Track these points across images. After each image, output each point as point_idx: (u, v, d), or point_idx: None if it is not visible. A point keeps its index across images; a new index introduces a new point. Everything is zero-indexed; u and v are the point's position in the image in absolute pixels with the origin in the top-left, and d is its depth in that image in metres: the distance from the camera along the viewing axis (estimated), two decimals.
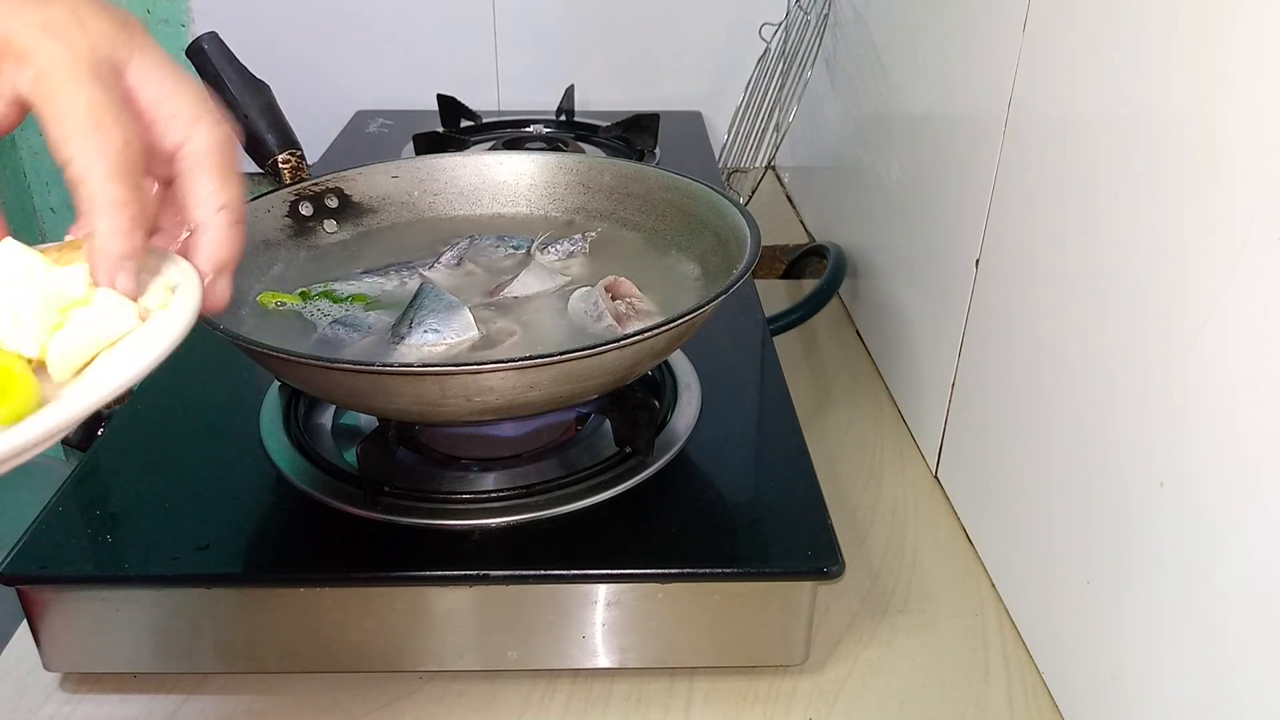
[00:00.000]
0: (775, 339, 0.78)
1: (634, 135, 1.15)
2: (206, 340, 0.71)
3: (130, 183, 0.36)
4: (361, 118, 1.30)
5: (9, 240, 0.36)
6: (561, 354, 0.48)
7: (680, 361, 0.69)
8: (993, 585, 0.62)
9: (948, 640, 0.58)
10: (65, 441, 0.64)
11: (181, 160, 0.39)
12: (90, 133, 0.35)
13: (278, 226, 0.68)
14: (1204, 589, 0.41)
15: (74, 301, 0.35)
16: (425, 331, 0.57)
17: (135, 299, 0.36)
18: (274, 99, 0.69)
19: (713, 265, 0.64)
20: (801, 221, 1.20)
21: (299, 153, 0.69)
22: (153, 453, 0.61)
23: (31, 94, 0.36)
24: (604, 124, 1.19)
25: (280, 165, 0.69)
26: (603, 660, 0.55)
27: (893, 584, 0.62)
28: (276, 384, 0.65)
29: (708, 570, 0.52)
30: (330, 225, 0.71)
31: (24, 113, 0.37)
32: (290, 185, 0.69)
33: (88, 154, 0.35)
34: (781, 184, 1.31)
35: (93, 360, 0.35)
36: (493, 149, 1.10)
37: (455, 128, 1.21)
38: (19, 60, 0.36)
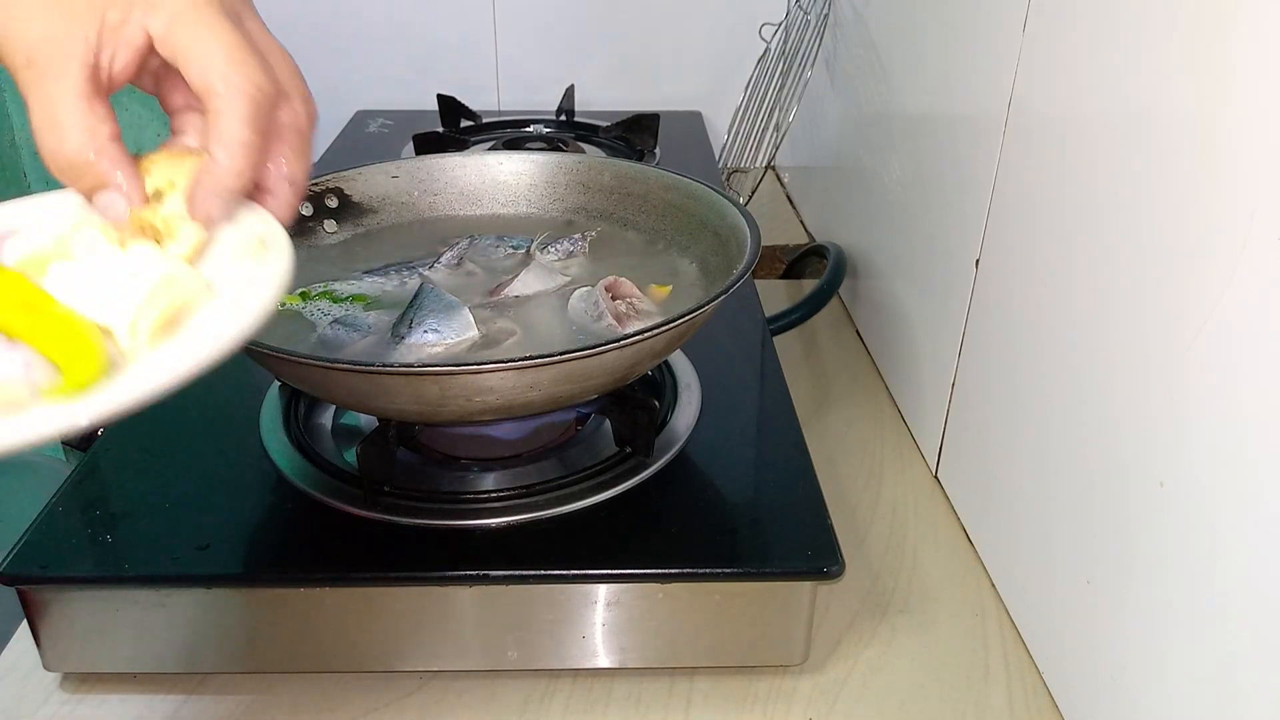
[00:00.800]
0: (775, 339, 0.78)
1: (634, 135, 1.15)
2: None
3: (258, 128, 0.38)
4: (361, 118, 1.30)
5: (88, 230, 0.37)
6: (561, 354, 0.48)
7: (680, 361, 0.69)
8: (993, 585, 0.62)
9: (948, 640, 0.58)
10: (64, 441, 0.64)
11: (277, 120, 0.41)
12: (233, 72, 0.37)
13: None
14: (1204, 589, 0.41)
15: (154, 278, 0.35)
16: (425, 331, 0.57)
17: (207, 232, 0.37)
18: None
19: (713, 265, 0.64)
20: (801, 221, 1.20)
21: None
22: (153, 453, 0.61)
23: (167, 35, 0.37)
24: (604, 124, 1.19)
25: None
26: (603, 660, 0.55)
27: (893, 584, 0.62)
28: (276, 384, 0.65)
29: (708, 570, 0.52)
30: (330, 225, 0.71)
31: (143, 61, 0.38)
32: None
33: (229, 93, 0.37)
34: (781, 184, 1.31)
35: (167, 327, 0.34)
36: (493, 149, 1.10)
37: (455, 128, 1.21)
38: (150, 6, 0.37)
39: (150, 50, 0.38)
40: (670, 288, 0.64)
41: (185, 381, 0.31)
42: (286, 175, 0.40)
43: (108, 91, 0.38)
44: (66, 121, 0.36)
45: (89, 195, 0.37)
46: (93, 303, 0.34)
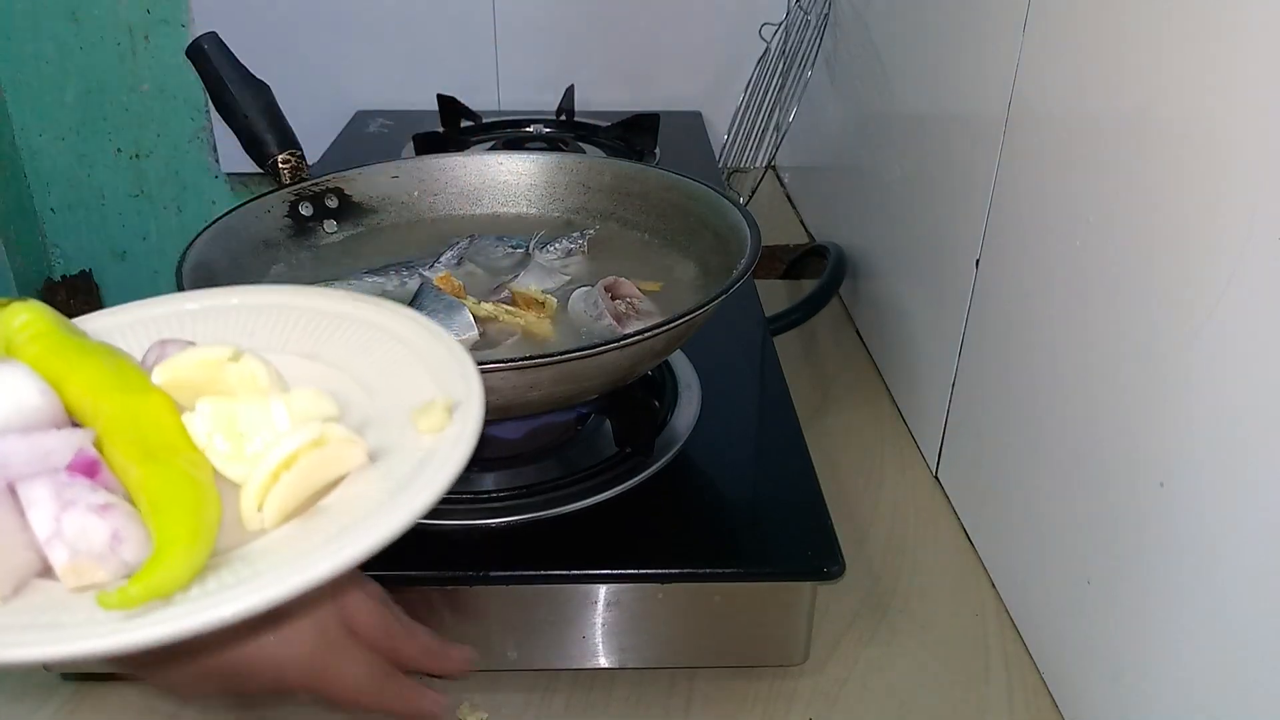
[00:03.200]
0: (775, 339, 0.78)
1: (634, 135, 1.15)
2: None
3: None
4: (361, 118, 1.30)
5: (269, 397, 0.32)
6: (561, 354, 0.48)
7: (680, 361, 0.69)
8: (993, 585, 0.62)
9: (948, 640, 0.58)
10: None
11: None
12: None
13: (278, 226, 0.68)
14: (1204, 589, 0.41)
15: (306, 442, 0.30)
16: None
17: None
18: (274, 99, 0.69)
19: (713, 265, 0.64)
20: (801, 221, 1.20)
21: (299, 153, 0.69)
22: None
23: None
24: (604, 124, 1.19)
25: (280, 165, 0.68)
26: (603, 660, 0.54)
27: (893, 584, 0.62)
28: None
29: (708, 570, 0.52)
30: (330, 225, 0.71)
31: None
32: (290, 185, 0.69)
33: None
34: (781, 184, 1.31)
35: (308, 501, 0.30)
36: (493, 149, 1.10)
37: (455, 128, 1.21)
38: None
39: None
40: (660, 285, 0.63)
41: (273, 606, 0.26)
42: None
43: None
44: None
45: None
46: (230, 451, 0.30)
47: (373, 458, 0.31)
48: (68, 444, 0.28)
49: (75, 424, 0.30)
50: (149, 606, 0.25)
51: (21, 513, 0.26)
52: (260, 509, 0.29)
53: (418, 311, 0.35)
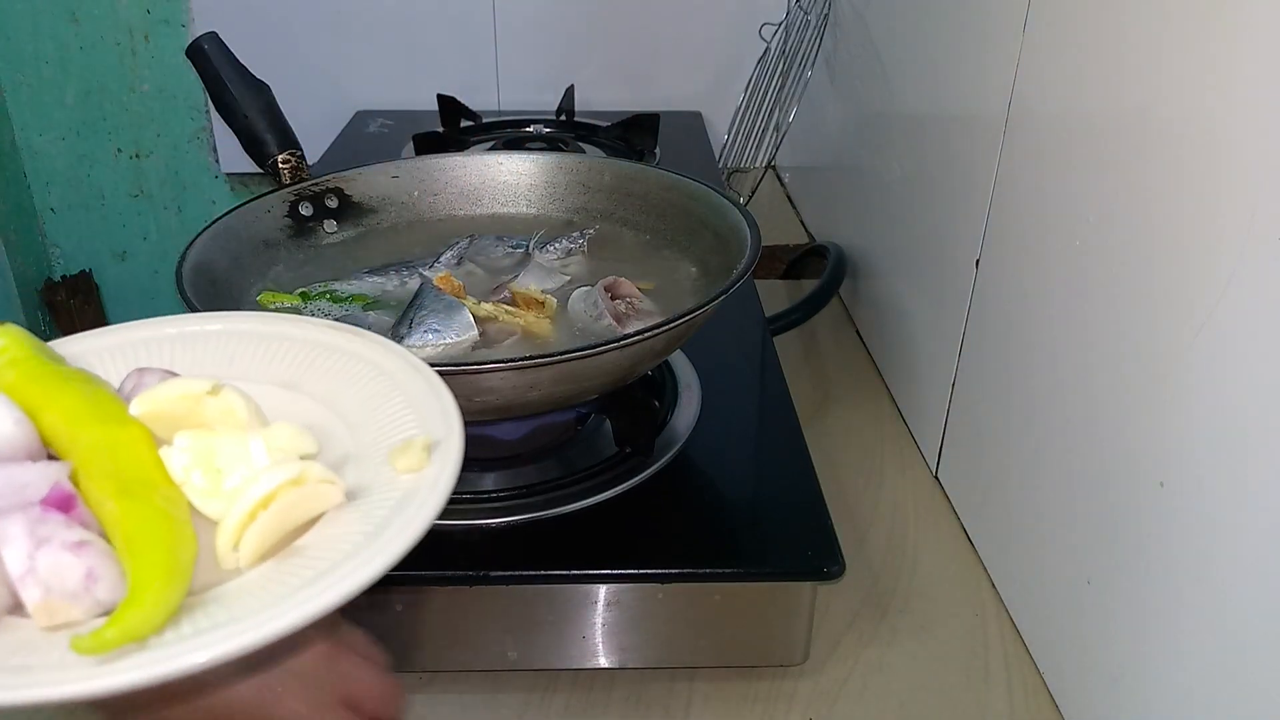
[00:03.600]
0: (775, 339, 0.78)
1: (634, 135, 1.15)
2: None
3: None
4: (361, 118, 1.30)
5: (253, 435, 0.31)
6: (561, 354, 0.48)
7: (680, 361, 0.69)
8: (993, 585, 0.62)
9: (948, 640, 0.58)
10: None
11: None
12: None
13: (278, 226, 0.68)
14: (1204, 589, 0.41)
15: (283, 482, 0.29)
16: (425, 331, 0.57)
17: None
18: (274, 99, 0.69)
19: (713, 265, 0.64)
20: (801, 221, 1.20)
21: (299, 153, 0.69)
22: None
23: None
24: (604, 124, 1.19)
25: (280, 165, 0.68)
26: (603, 660, 0.54)
27: (893, 584, 0.62)
28: None
29: (708, 570, 0.52)
30: (330, 225, 0.71)
31: None
32: (290, 185, 0.69)
33: None
34: (781, 184, 1.31)
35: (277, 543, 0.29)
36: (493, 149, 1.10)
37: (455, 128, 1.21)
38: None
39: None
40: (653, 284, 0.64)
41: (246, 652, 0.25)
42: None
43: None
44: None
45: None
46: (207, 487, 0.29)
47: (351, 496, 0.30)
48: (44, 477, 0.27)
49: (51, 455, 0.30)
50: (123, 651, 0.24)
51: None
52: (236, 548, 0.28)
53: (407, 333, 0.34)
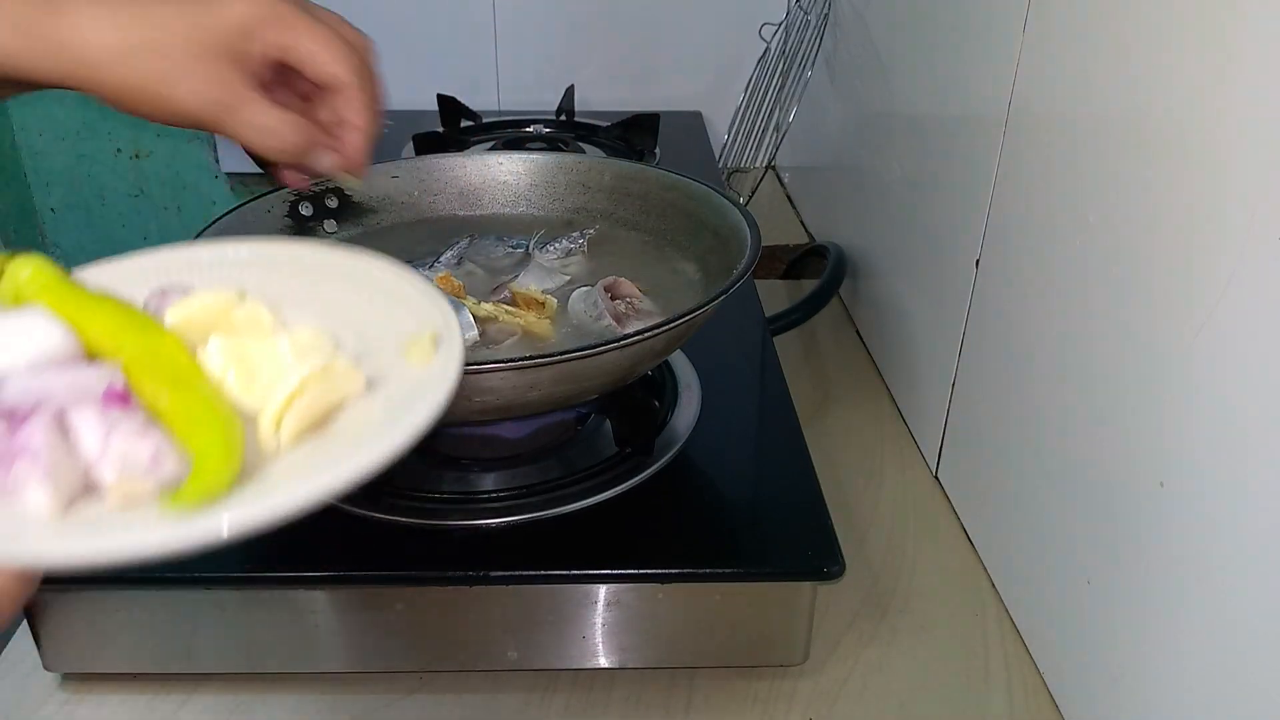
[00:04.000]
0: (775, 339, 0.78)
1: (634, 135, 1.15)
2: None
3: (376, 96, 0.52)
4: None
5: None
6: (561, 354, 0.48)
7: (680, 361, 0.69)
8: (993, 585, 0.62)
9: (948, 640, 0.58)
10: None
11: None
12: (350, 63, 0.49)
13: (278, 226, 0.68)
14: (1204, 589, 0.41)
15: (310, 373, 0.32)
16: None
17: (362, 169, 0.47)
18: None
19: (713, 265, 0.64)
20: (801, 221, 1.20)
21: None
22: None
23: (282, 43, 0.47)
24: (604, 124, 1.19)
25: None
26: (603, 660, 0.55)
27: (893, 584, 0.62)
28: None
29: (708, 570, 0.52)
30: (330, 225, 0.71)
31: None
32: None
33: (357, 80, 0.50)
34: (781, 184, 1.31)
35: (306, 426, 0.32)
36: (493, 149, 1.10)
37: (455, 128, 1.21)
38: (264, 24, 0.46)
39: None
40: (646, 288, 0.64)
41: (307, 510, 0.28)
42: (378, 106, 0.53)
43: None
44: (279, 128, 0.48)
45: (308, 155, 0.50)
46: (242, 384, 0.32)
47: (369, 387, 0.33)
48: (101, 375, 0.30)
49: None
50: (202, 506, 0.27)
51: (67, 438, 0.28)
52: (278, 431, 0.31)
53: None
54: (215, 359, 0.32)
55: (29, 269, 0.34)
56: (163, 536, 0.26)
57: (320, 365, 0.32)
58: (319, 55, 0.48)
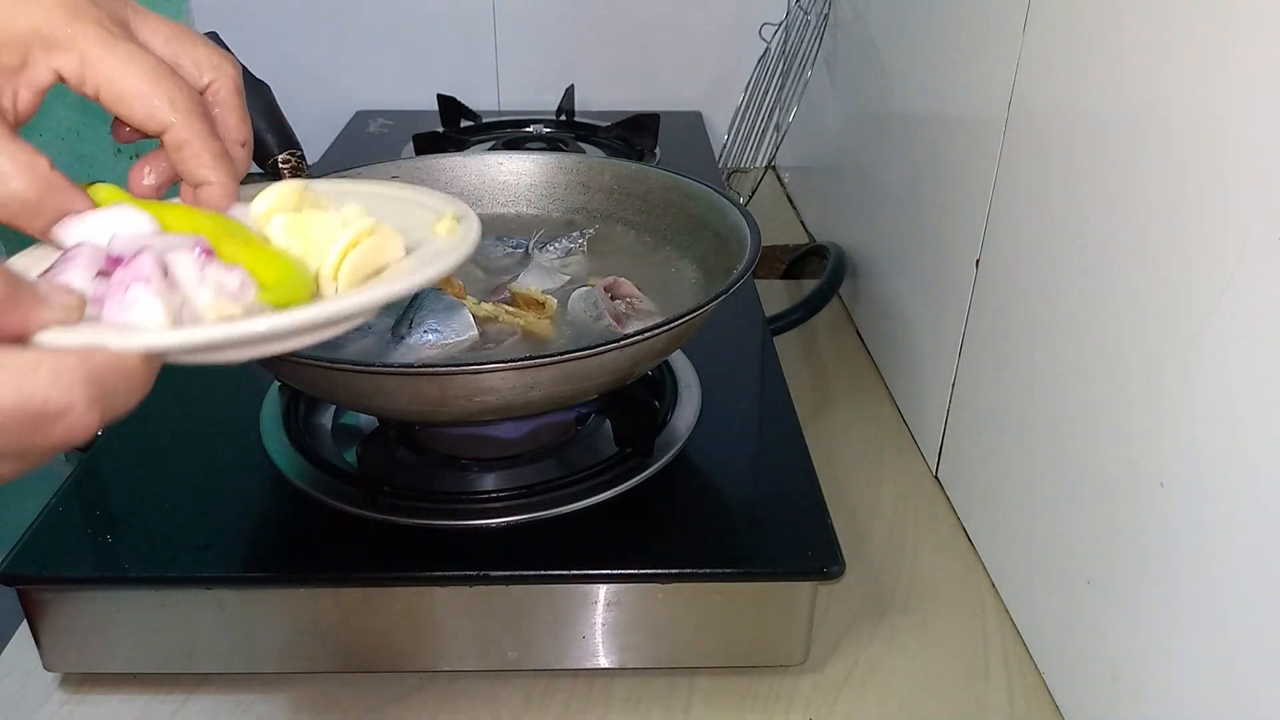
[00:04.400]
0: (775, 339, 0.78)
1: (634, 135, 1.15)
2: None
3: (212, 130, 0.40)
4: (361, 118, 1.30)
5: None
6: (561, 354, 0.48)
7: (680, 361, 0.69)
8: (993, 585, 0.62)
9: (948, 640, 0.58)
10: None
11: (208, 99, 0.41)
12: (179, 97, 0.38)
13: None
14: (1204, 588, 0.41)
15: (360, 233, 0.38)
16: (425, 331, 0.57)
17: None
18: (274, 99, 0.69)
19: (712, 265, 0.64)
20: (801, 221, 1.20)
21: (299, 153, 0.69)
22: (153, 453, 0.61)
23: (82, 76, 0.37)
24: (604, 124, 1.19)
25: (280, 165, 0.68)
26: (603, 660, 0.55)
27: (893, 584, 0.62)
28: (276, 384, 0.65)
29: (708, 570, 0.52)
30: None
31: (40, 100, 0.38)
32: None
33: (187, 118, 0.38)
34: (781, 184, 1.31)
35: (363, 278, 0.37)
36: (493, 149, 1.10)
37: (455, 128, 1.21)
38: (50, 46, 0.36)
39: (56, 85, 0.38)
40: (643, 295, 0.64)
41: (375, 308, 0.34)
42: (238, 139, 0.42)
43: (16, 129, 0.37)
44: (4, 168, 0.35)
45: (46, 231, 0.36)
46: (303, 251, 0.37)
47: (407, 252, 0.39)
48: (190, 240, 0.34)
49: None
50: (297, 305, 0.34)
51: (168, 278, 0.33)
52: (335, 278, 0.36)
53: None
54: (279, 234, 0.38)
55: (105, 190, 0.38)
56: (258, 324, 0.31)
57: (370, 224, 0.37)
58: (127, 92, 0.37)
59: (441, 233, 0.40)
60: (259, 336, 0.31)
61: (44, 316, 0.29)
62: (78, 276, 0.32)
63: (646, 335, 0.50)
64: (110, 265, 0.32)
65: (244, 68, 0.69)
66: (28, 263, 0.36)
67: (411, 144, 1.12)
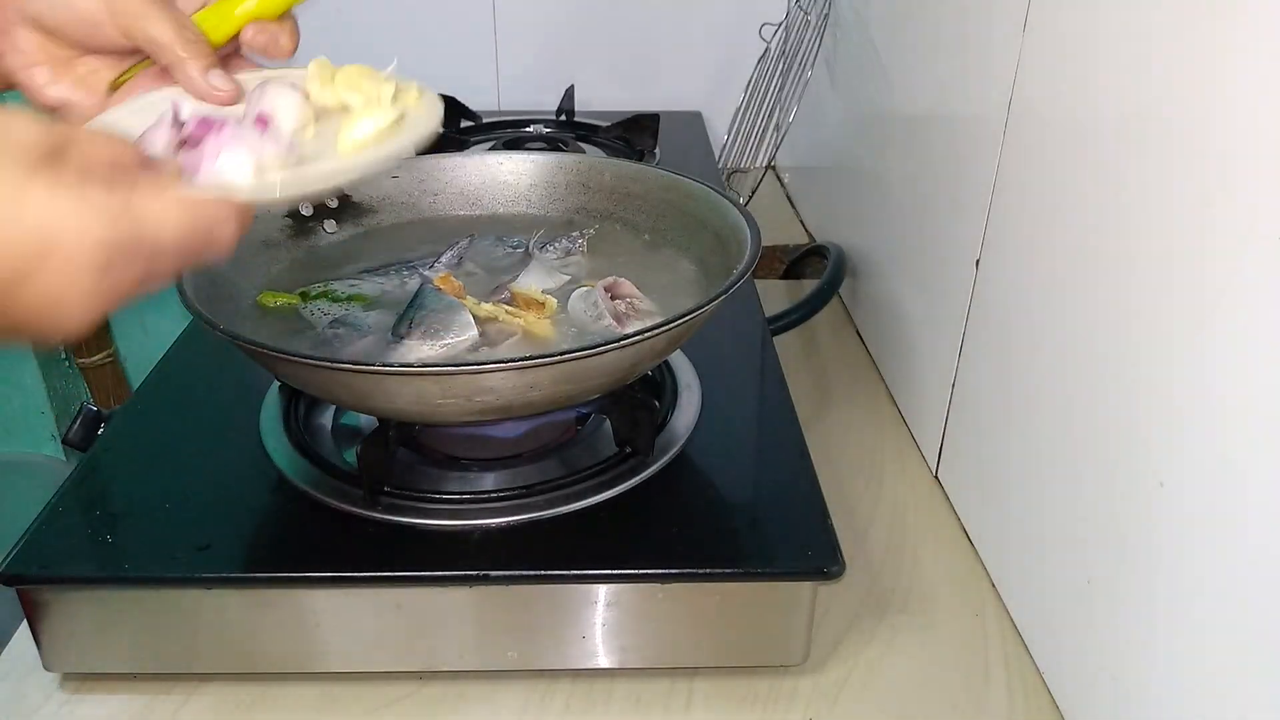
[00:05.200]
0: (775, 339, 0.78)
1: (634, 135, 1.15)
2: (206, 340, 0.72)
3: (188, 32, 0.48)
4: None
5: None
6: (561, 354, 0.48)
7: (680, 361, 0.69)
8: (993, 585, 0.62)
9: (948, 640, 0.58)
10: (65, 441, 0.64)
11: None
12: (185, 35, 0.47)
13: (278, 226, 0.68)
14: (1204, 588, 0.41)
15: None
16: (425, 331, 0.57)
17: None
18: None
19: (712, 265, 0.64)
20: (801, 221, 1.20)
21: None
22: (153, 453, 0.61)
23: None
24: (604, 124, 1.19)
25: None
26: (603, 660, 0.55)
27: (893, 584, 0.62)
28: (276, 384, 0.65)
29: (708, 570, 0.52)
30: (330, 225, 0.71)
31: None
32: None
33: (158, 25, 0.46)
34: (781, 184, 1.31)
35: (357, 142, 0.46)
36: (493, 149, 1.10)
37: (455, 128, 1.21)
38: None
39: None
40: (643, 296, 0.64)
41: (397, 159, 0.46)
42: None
43: None
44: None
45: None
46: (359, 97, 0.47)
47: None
48: (240, 111, 0.45)
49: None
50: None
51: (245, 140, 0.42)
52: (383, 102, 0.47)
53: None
54: (342, 90, 0.47)
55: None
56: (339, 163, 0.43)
57: (395, 115, 0.46)
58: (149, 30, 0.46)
59: (409, 103, 0.48)
60: (346, 172, 0.43)
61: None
62: (159, 138, 0.42)
63: (646, 335, 0.50)
64: (194, 130, 0.42)
65: None
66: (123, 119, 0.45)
67: None
